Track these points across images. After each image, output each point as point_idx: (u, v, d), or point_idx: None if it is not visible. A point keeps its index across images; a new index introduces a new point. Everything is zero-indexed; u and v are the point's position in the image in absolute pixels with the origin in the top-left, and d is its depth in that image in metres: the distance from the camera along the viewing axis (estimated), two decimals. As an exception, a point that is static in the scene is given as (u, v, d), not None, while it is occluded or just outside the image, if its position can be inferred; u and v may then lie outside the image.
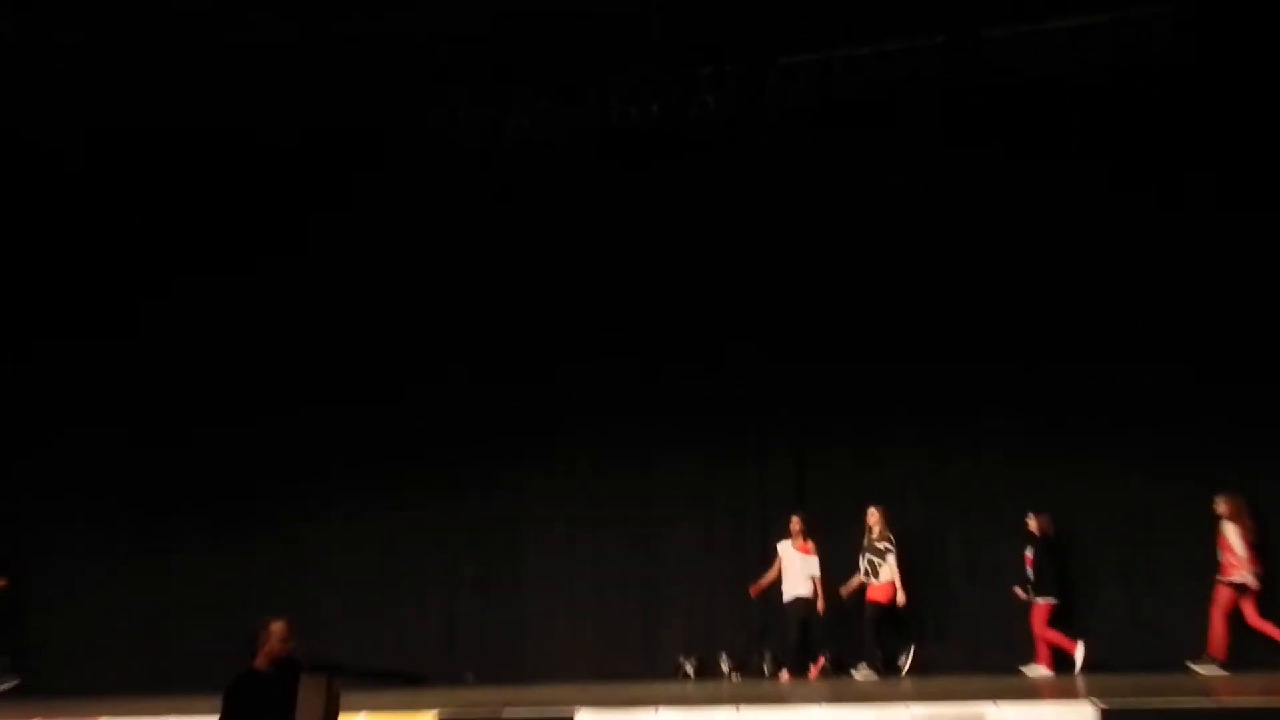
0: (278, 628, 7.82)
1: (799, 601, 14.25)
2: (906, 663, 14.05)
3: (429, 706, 11.03)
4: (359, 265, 16.28)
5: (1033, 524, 13.87)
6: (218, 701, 7.80)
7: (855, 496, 14.41)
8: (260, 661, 7.79)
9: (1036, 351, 14.20)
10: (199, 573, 16.14)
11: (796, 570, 14.33)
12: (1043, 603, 13.67)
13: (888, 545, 14.08)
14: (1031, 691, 11.58)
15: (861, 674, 13.90)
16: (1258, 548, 13.08)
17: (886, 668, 13.87)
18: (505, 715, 10.92)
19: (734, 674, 14.50)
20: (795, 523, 14.39)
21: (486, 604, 15.61)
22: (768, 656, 14.46)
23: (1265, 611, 12.93)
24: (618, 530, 15.42)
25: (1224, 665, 12.69)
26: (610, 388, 15.43)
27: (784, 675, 14.11)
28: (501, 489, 15.75)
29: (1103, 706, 9.47)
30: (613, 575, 15.33)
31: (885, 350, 14.64)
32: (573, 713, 10.63)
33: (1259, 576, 13.02)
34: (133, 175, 16.34)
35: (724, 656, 14.62)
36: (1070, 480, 14.05)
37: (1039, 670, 13.53)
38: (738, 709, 10.44)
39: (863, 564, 14.13)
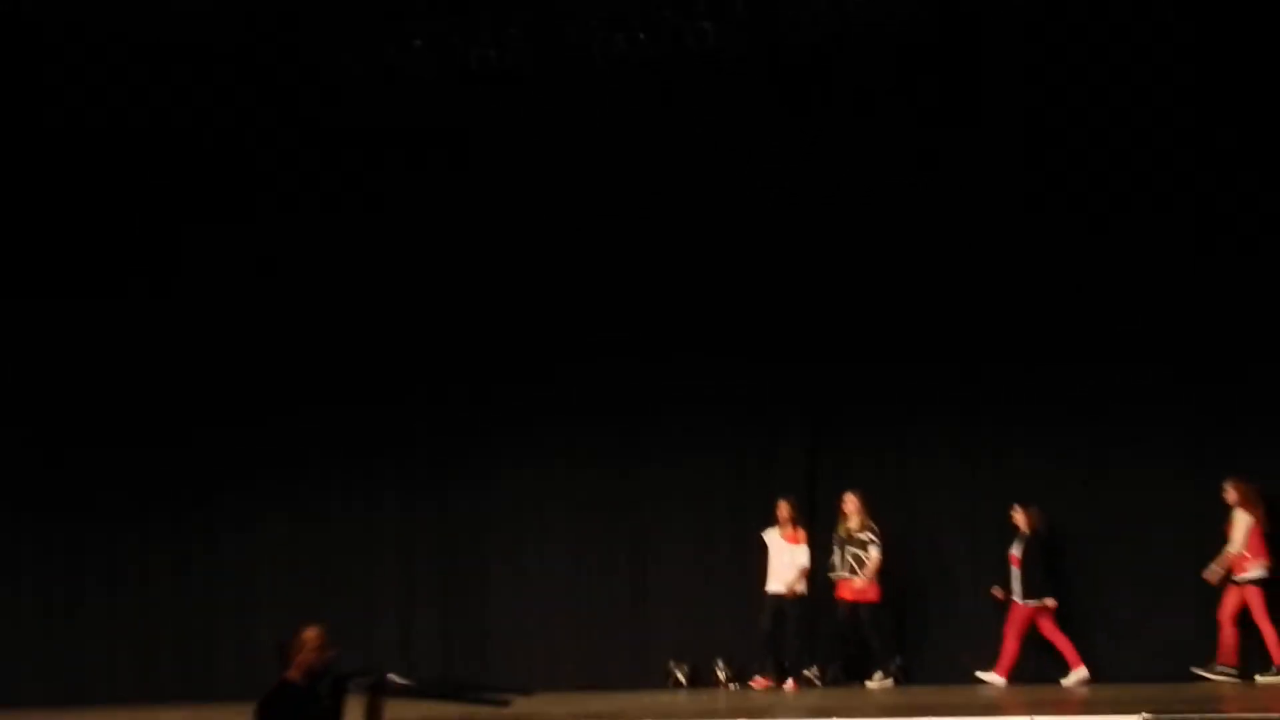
0: (311, 635, 7.04)
1: (783, 596, 13.20)
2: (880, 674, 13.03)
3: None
4: (306, 254, 15.09)
5: (1020, 519, 12.97)
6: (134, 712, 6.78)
7: (871, 495, 13.40)
8: (294, 673, 7.00)
9: (1065, 349, 13.29)
10: (128, 579, 15.41)
11: (785, 562, 13.29)
12: (1034, 605, 12.82)
13: (871, 536, 13.08)
14: (1072, 703, 10.59)
15: (876, 683, 12.96)
16: (1270, 538, 12.39)
17: (847, 675, 13.15)
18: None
19: (731, 683, 13.54)
20: (784, 509, 13.33)
21: (454, 610, 14.72)
22: (770, 664, 13.33)
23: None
24: (604, 530, 14.51)
25: (1239, 672, 12.15)
26: (598, 383, 14.39)
27: (756, 681, 13.17)
28: (473, 489, 14.81)
29: (1148, 716, 8.95)
30: (599, 577, 14.44)
31: (898, 347, 13.66)
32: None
33: (1269, 570, 12.33)
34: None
35: (720, 664, 13.62)
36: (1092, 480, 13.24)
37: (1077, 676, 12.65)
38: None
39: (843, 558, 13.10)
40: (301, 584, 14.97)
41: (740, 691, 13.24)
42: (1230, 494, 12.42)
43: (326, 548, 15.05)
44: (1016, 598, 12.84)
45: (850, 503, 13.20)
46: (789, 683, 13.06)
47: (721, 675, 13.57)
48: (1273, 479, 12.53)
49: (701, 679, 13.52)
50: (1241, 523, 12.33)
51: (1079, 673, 12.63)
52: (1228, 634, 12.28)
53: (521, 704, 11.81)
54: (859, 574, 13.04)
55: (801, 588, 13.25)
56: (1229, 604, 12.32)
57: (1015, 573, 12.86)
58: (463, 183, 14.81)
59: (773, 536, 13.39)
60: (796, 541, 13.33)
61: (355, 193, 14.89)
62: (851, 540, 13.13)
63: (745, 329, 14.03)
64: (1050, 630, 12.85)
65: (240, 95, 14.46)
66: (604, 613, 14.32)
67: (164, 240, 15.33)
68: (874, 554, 13.03)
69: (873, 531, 13.13)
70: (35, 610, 15.55)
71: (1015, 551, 12.90)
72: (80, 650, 15.33)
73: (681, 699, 12.92)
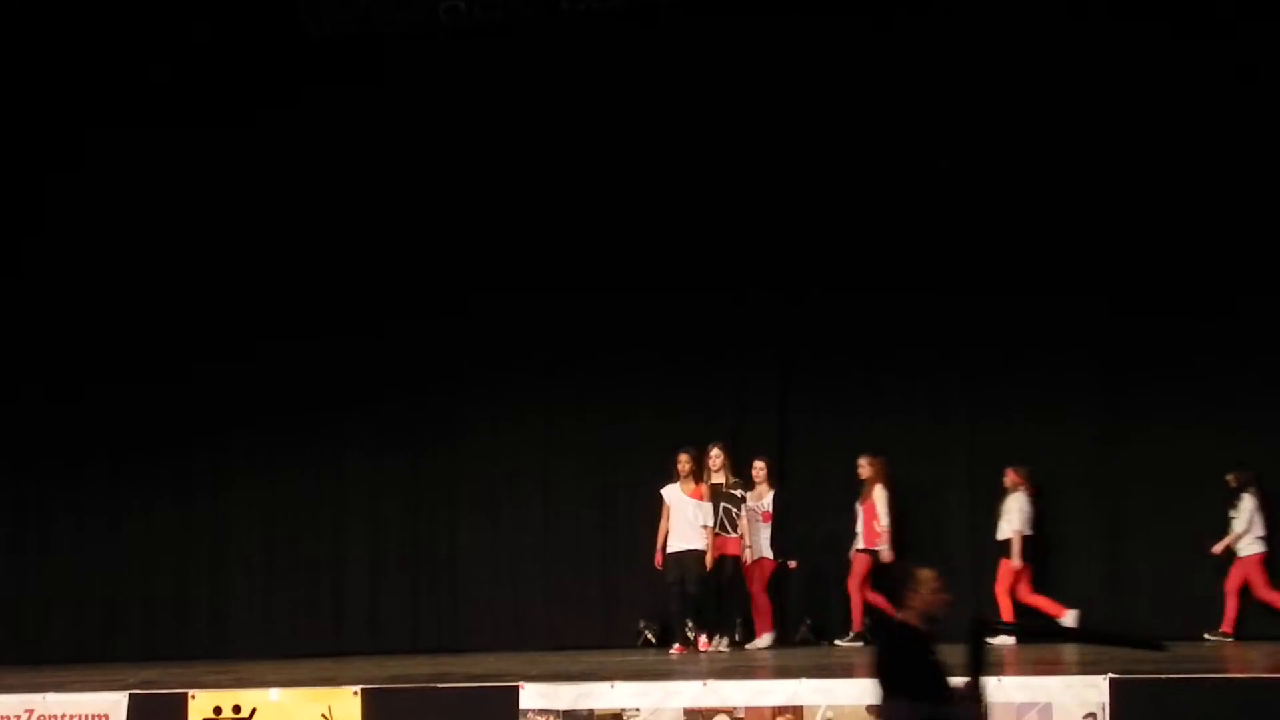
0: (927, 576, 6.43)
1: (686, 555, 12.58)
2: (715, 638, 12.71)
3: (350, 681, 9.84)
4: (259, 196, 14.93)
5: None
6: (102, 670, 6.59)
7: (842, 448, 13.30)
8: (909, 615, 6.40)
9: (1063, 287, 13.08)
10: (80, 541, 15.23)
11: (688, 519, 12.59)
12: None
13: (741, 493, 12.78)
14: (1035, 663, 10.53)
15: (848, 642, 12.84)
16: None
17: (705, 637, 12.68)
18: (439, 688, 9.75)
19: (700, 639, 13.12)
20: (684, 462, 12.67)
21: (423, 569, 14.55)
22: (739, 623, 13.15)
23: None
24: (571, 486, 14.35)
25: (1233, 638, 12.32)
26: (558, 327, 14.23)
27: (675, 649, 12.71)
28: (436, 442, 14.64)
29: (1114, 676, 8.60)
30: (567, 536, 14.26)
31: (875, 284, 13.48)
32: (517, 686, 9.43)
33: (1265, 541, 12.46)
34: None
35: (690, 623, 13.28)
36: (1082, 437, 13.10)
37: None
38: (705, 683, 9.22)
39: (718, 514, 12.65)
40: (272, 538, 14.85)
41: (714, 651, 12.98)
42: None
43: (296, 501, 14.88)
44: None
45: (717, 458, 12.77)
46: (702, 640, 12.59)
47: (690, 634, 13.23)
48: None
49: (672, 639, 13.26)
50: (1249, 503, 12.40)
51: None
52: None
53: (492, 663, 11.87)
54: (730, 531, 12.67)
55: (703, 544, 12.59)
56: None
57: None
58: (416, 118, 14.62)
59: (673, 493, 12.75)
60: (700, 497, 12.66)
61: (302, 122, 14.76)
62: (722, 496, 12.73)
63: (716, 282, 13.86)
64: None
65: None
66: (574, 572, 14.17)
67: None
68: (745, 511, 12.74)
69: (742, 486, 12.85)
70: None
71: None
72: (47, 607, 15.20)
73: (651, 658, 12.70)
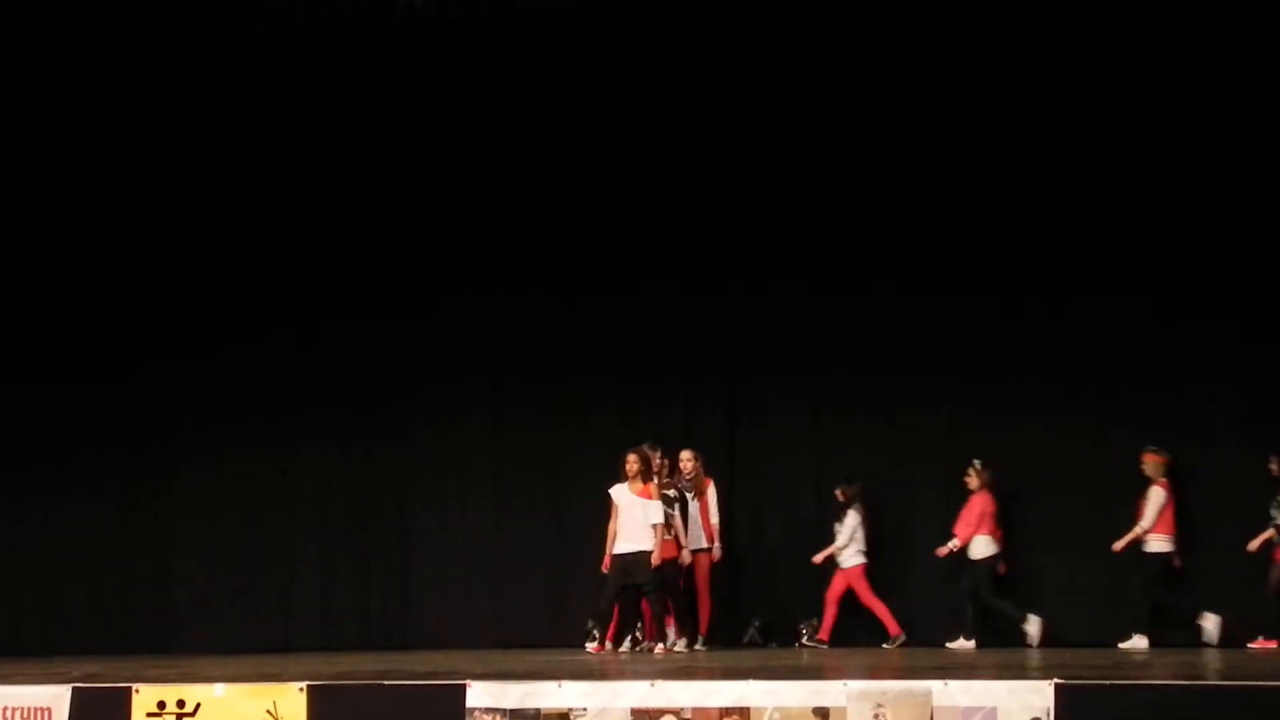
0: None
1: (634, 556, 12.44)
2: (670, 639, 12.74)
3: (296, 677, 9.76)
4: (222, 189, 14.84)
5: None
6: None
7: (794, 449, 13.44)
8: None
9: (1020, 288, 13.25)
10: (22, 533, 15.14)
11: (636, 519, 12.43)
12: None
13: (674, 494, 12.74)
14: (981, 668, 10.56)
15: (811, 641, 13.05)
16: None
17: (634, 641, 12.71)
18: (385, 685, 9.67)
19: (647, 642, 13.13)
20: (631, 462, 12.51)
21: (374, 564, 14.55)
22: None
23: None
24: (522, 486, 14.39)
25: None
26: (509, 328, 14.24)
27: (592, 647, 12.72)
28: (387, 441, 14.65)
29: (1059, 681, 8.55)
30: (517, 536, 14.27)
31: (829, 284, 13.56)
32: (464, 684, 9.37)
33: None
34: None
35: (639, 625, 13.25)
36: (1049, 439, 13.19)
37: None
38: (652, 684, 9.20)
39: (660, 515, 12.54)
40: (219, 531, 14.78)
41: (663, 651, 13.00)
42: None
43: (245, 495, 14.81)
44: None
45: (654, 459, 12.72)
46: (658, 647, 12.54)
47: (639, 634, 13.18)
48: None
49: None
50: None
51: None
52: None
53: (440, 661, 11.83)
54: (667, 532, 12.58)
55: (651, 545, 12.44)
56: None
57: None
58: (371, 116, 14.58)
59: (621, 492, 12.61)
60: (648, 496, 12.51)
61: (239, 113, 14.67)
62: (663, 498, 12.62)
63: (665, 277, 13.90)
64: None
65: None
66: (524, 571, 14.17)
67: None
68: (678, 512, 12.69)
69: (677, 489, 12.81)
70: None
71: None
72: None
73: (599, 659, 12.57)
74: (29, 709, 9.67)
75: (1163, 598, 12.66)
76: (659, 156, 13.98)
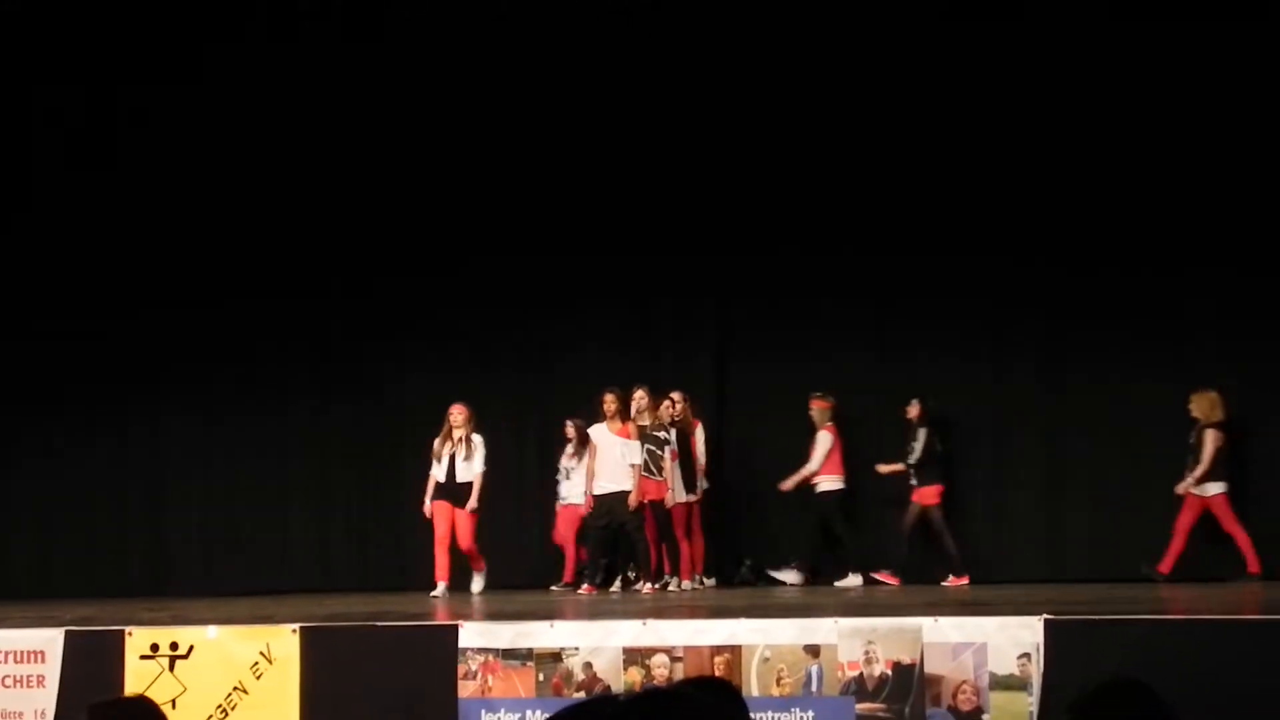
0: None
1: (613, 496, 12.46)
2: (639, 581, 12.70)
3: (289, 619, 9.80)
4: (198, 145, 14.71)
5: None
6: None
7: (783, 392, 13.38)
8: None
9: (996, 240, 13.25)
10: (14, 475, 15.03)
11: (615, 459, 12.41)
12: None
13: (668, 435, 12.65)
14: (971, 604, 10.65)
15: (790, 578, 13.04)
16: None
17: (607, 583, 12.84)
18: (378, 627, 9.71)
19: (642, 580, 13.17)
20: (610, 401, 12.50)
21: (364, 511, 14.60)
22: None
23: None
24: (513, 428, 14.36)
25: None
26: (501, 280, 14.19)
27: (584, 588, 12.69)
28: (382, 384, 14.64)
29: (1048, 617, 8.64)
30: (507, 477, 14.08)
31: (813, 231, 13.54)
32: (456, 624, 9.43)
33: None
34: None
35: (631, 565, 13.34)
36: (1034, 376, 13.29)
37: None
38: (644, 623, 9.26)
39: (639, 455, 12.49)
40: (214, 483, 14.78)
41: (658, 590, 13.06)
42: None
43: (239, 447, 14.80)
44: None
45: (642, 399, 12.65)
46: (645, 586, 12.51)
47: (632, 574, 13.33)
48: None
49: (612, 578, 13.37)
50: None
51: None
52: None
53: (433, 603, 11.86)
54: (656, 474, 12.54)
55: (630, 484, 12.46)
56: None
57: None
58: (370, 71, 14.45)
59: (600, 432, 12.60)
60: (627, 436, 12.48)
61: (249, 76, 14.56)
62: (650, 438, 12.60)
63: (656, 224, 13.85)
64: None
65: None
66: (514, 512, 14.17)
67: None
68: (668, 454, 12.58)
69: (666, 429, 12.71)
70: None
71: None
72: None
73: (592, 598, 12.70)
74: (22, 652, 9.69)
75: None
76: (651, 109, 13.92)
